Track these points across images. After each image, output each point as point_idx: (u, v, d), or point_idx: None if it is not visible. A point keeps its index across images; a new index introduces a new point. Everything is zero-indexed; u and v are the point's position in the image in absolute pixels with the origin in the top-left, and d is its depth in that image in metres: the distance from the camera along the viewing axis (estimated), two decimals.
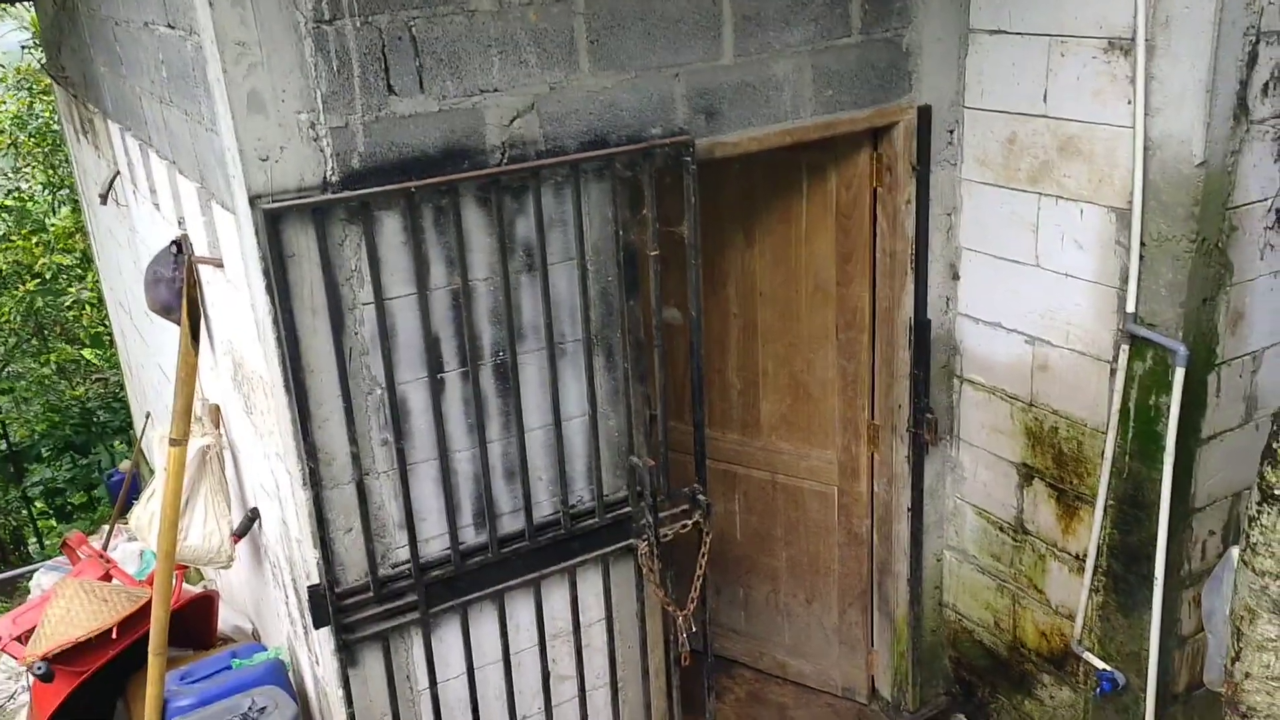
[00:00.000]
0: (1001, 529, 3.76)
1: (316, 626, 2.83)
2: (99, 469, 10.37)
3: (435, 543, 2.95)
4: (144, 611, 3.56)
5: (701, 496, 3.25)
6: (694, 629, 3.32)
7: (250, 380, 3.04)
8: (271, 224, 2.50)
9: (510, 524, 3.05)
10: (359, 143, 2.57)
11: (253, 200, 2.49)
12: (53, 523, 10.66)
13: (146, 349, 5.46)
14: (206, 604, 3.93)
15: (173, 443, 3.14)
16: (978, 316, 3.62)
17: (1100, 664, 3.47)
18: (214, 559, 3.51)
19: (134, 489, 6.18)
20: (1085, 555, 3.45)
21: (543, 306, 2.88)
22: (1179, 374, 3.02)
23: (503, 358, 2.89)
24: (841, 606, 4.15)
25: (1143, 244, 3.03)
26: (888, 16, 3.24)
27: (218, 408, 3.64)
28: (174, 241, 3.38)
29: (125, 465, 7.92)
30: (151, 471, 6.72)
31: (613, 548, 3.20)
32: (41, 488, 10.45)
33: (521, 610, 3.14)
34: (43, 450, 10.60)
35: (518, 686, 3.19)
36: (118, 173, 4.63)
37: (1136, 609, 3.35)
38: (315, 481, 2.71)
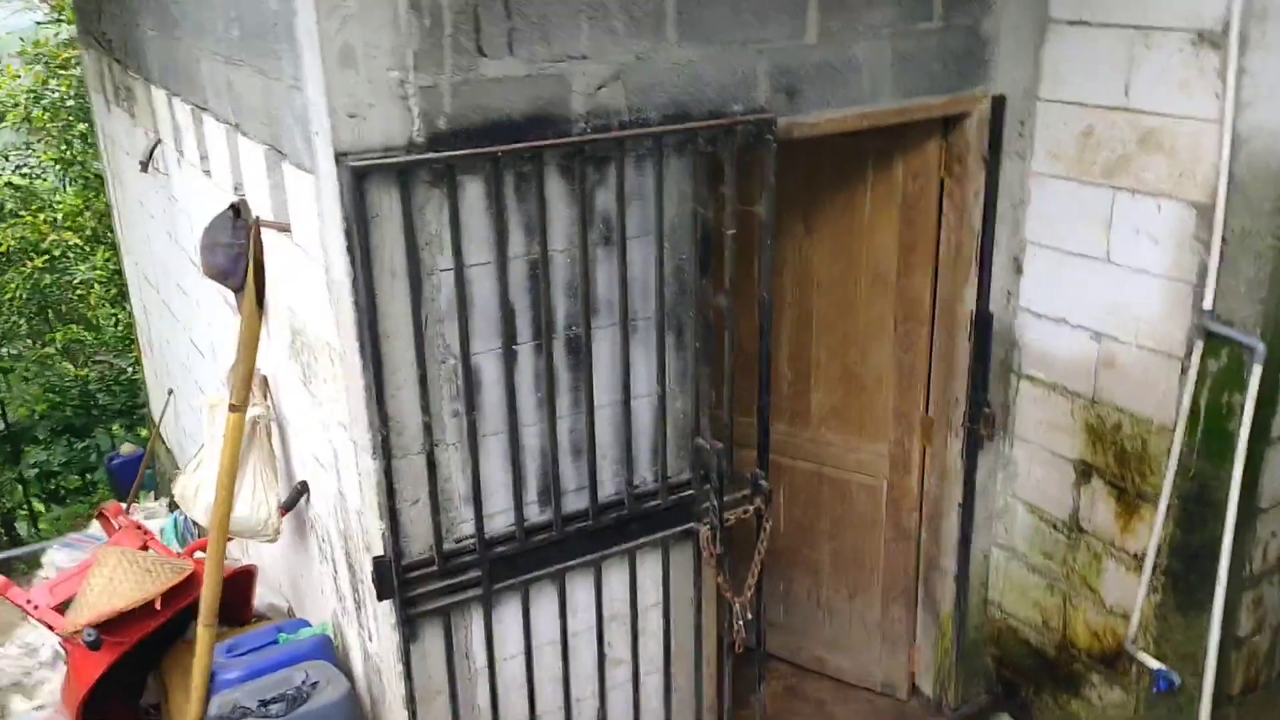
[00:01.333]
0: (1055, 527, 3.72)
1: (380, 599, 2.78)
2: (97, 452, 10.26)
3: (499, 519, 2.90)
4: (187, 584, 3.49)
5: (763, 482, 3.20)
6: (750, 616, 3.27)
7: (312, 348, 2.98)
8: (356, 183, 2.44)
9: (573, 502, 3.00)
10: (446, 104, 2.52)
11: (338, 158, 2.44)
12: (42, 507, 10.54)
13: (175, 323, 5.39)
14: (246, 579, 3.86)
15: (232, 409, 3.08)
16: (1040, 311, 3.59)
17: (1156, 664, 3.43)
18: (260, 531, 3.44)
19: (149, 469, 6.12)
20: (1144, 554, 3.41)
21: (619, 281, 2.83)
22: (1256, 371, 2.99)
23: (575, 332, 2.84)
24: (885, 602, 4.10)
25: (1224, 240, 2.99)
26: (968, 2, 3.21)
27: (267, 379, 3.58)
28: (232, 205, 3.32)
29: (127, 448, 7.83)
30: (169, 450, 6.65)
31: (673, 530, 3.15)
32: (37, 470, 10.33)
33: (581, 591, 3.09)
34: (38, 433, 10.49)
35: (573, 670, 3.13)
36: (159, 140, 4.56)
37: (1195, 609, 3.31)
38: (386, 451, 2.66)
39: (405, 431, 2.69)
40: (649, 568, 3.18)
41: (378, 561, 2.73)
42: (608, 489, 3.04)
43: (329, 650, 3.33)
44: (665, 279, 2.90)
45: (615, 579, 3.13)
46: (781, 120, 2.96)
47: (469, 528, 2.85)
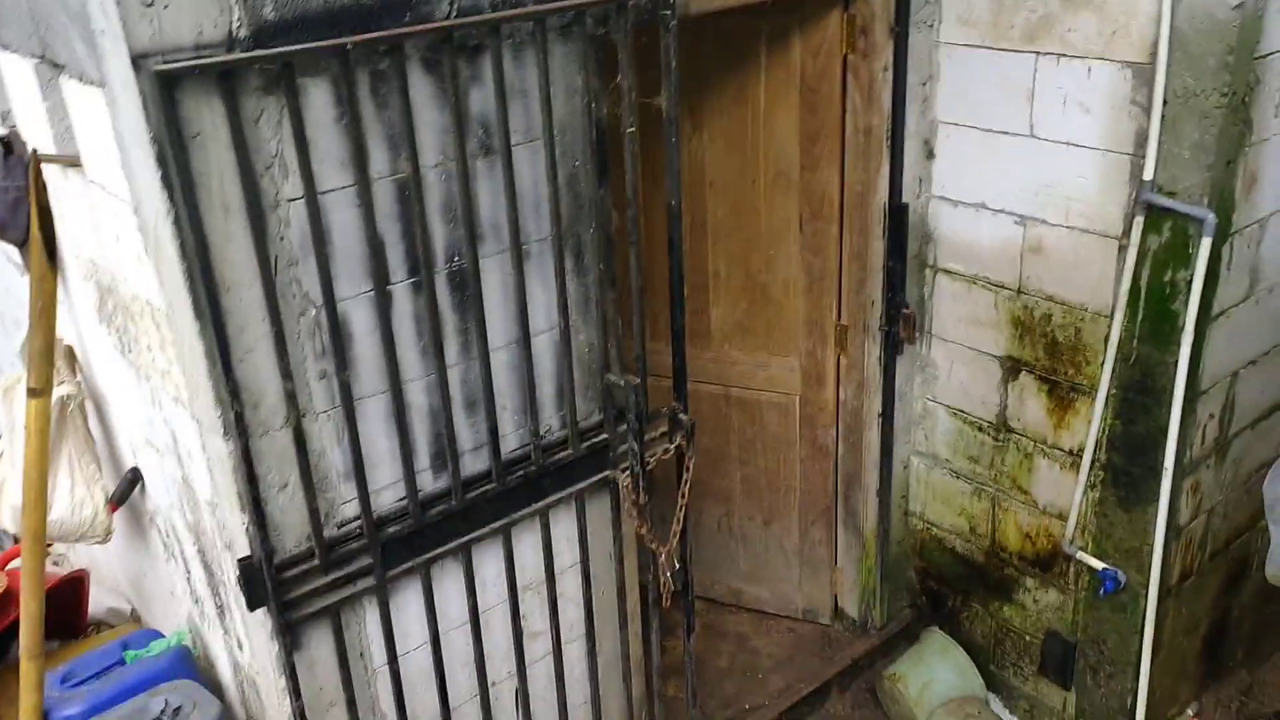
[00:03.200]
0: (981, 429, 3.48)
1: (252, 608, 2.27)
2: None
3: (388, 493, 2.43)
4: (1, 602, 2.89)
5: (683, 416, 2.82)
6: (677, 566, 2.92)
7: (128, 309, 2.40)
8: (165, 92, 1.87)
9: (473, 464, 2.54)
10: None
11: (136, 61, 1.86)
12: None
13: None
14: (75, 586, 3.26)
15: (32, 393, 2.47)
16: (957, 198, 3.29)
17: (1097, 563, 3.26)
18: (86, 533, 2.86)
19: None
20: (1081, 450, 3.20)
21: (506, 198, 2.35)
22: (1204, 245, 2.76)
23: (460, 263, 2.36)
24: (803, 525, 3.83)
25: (1165, 102, 2.72)
26: None
27: (72, 350, 2.95)
28: (1, 141, 2.66)
29: None
30: None
31: (589, 482, 2.74)
32: None
33: (489, 563, 2.65)
34: None
35: (487, 651, 2.71)
36: None
37: (1139, 503, 3.14)
38: (240, 429, 2.13)
39: (263, 403, 2.17)
40: (563, 526, 2.77)
41: (244, 564, 2.23)
42: (511, 444, 2.60)
43: (189, 664, 2.81)
44: (559, 192, 2.43)
45: (527, 544, 2.71)
46: None
47: (353, 509, 2.37)
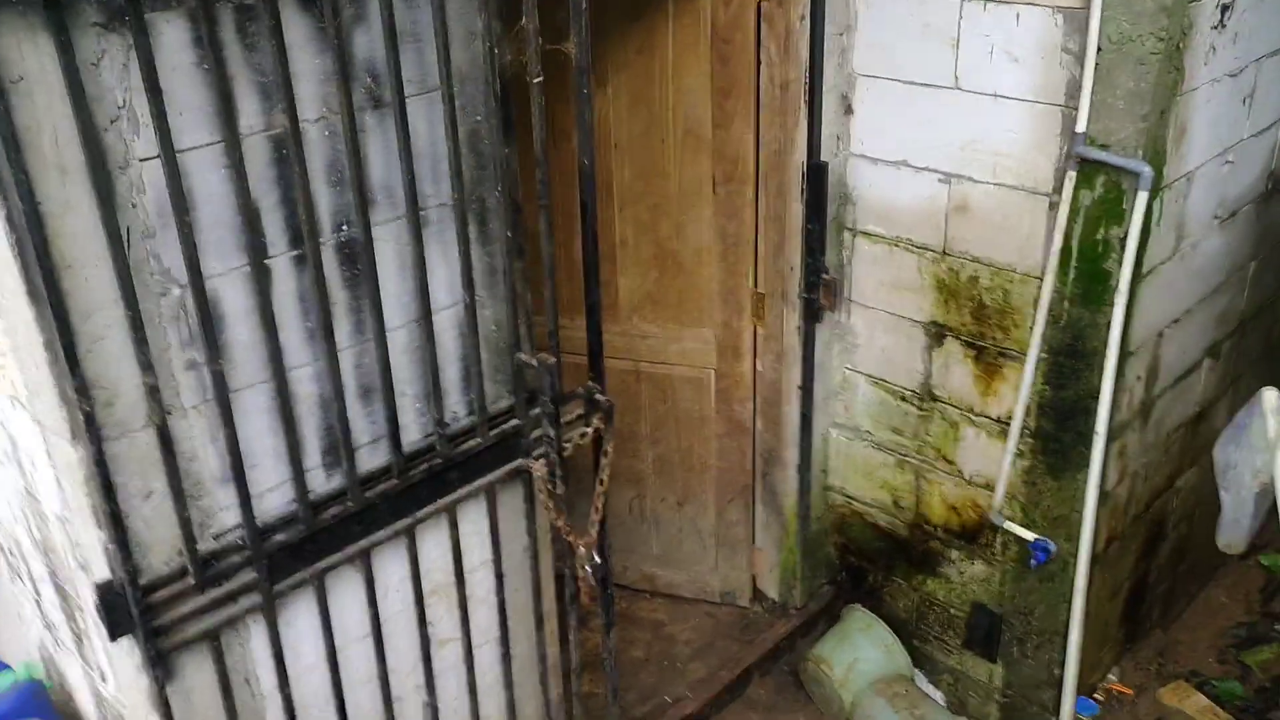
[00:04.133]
0: (904, 399, 3.34)
1: (114, 636, 1.95)
2: None
3: (273, 496, 2.12)
4: None
5: (600, 396, 2.57)
6: (597, 560, 2.68)
7: None
8: None
9: (370, 459, 2.26)
10: None
11: None
12: None
13: None
14: None
15: None
16: (877, 156, 3.11)
17: (1027, 533, 3.15)
18: None
19: None
20: (1010, 417, 3.09)
21: (400, 157, 2.06)
22: (1140, 200, 2.65)
23: (349, 233, 2.06)
24: (720, 505, 3.64)
25: (1099, 49, 2.58)
26: None
27: None
28: None
29: None
30: None
31: (499, 472, 2.47)
32: None
33: (392, 567, 2.37)
34: None
35: (391, 664, 2.44)
36: None
37: (1069, 470, 3.04)
38: (92, 432, 1.81)
39: (119, 400, 1.84)
40: (473, 521, 2.50)
41: (103, 589, 1.90)
42: (413, 434, 2.32)
43: (41, 699, 2.46)
44: (460, 149, 2.15)
45: (433, 543, 2.44)
46: None
47: (232, 516, 2.06)
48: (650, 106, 3.11)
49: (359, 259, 2.07)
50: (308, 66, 1.92)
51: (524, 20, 2.14)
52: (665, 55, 3.04)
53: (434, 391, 2.27)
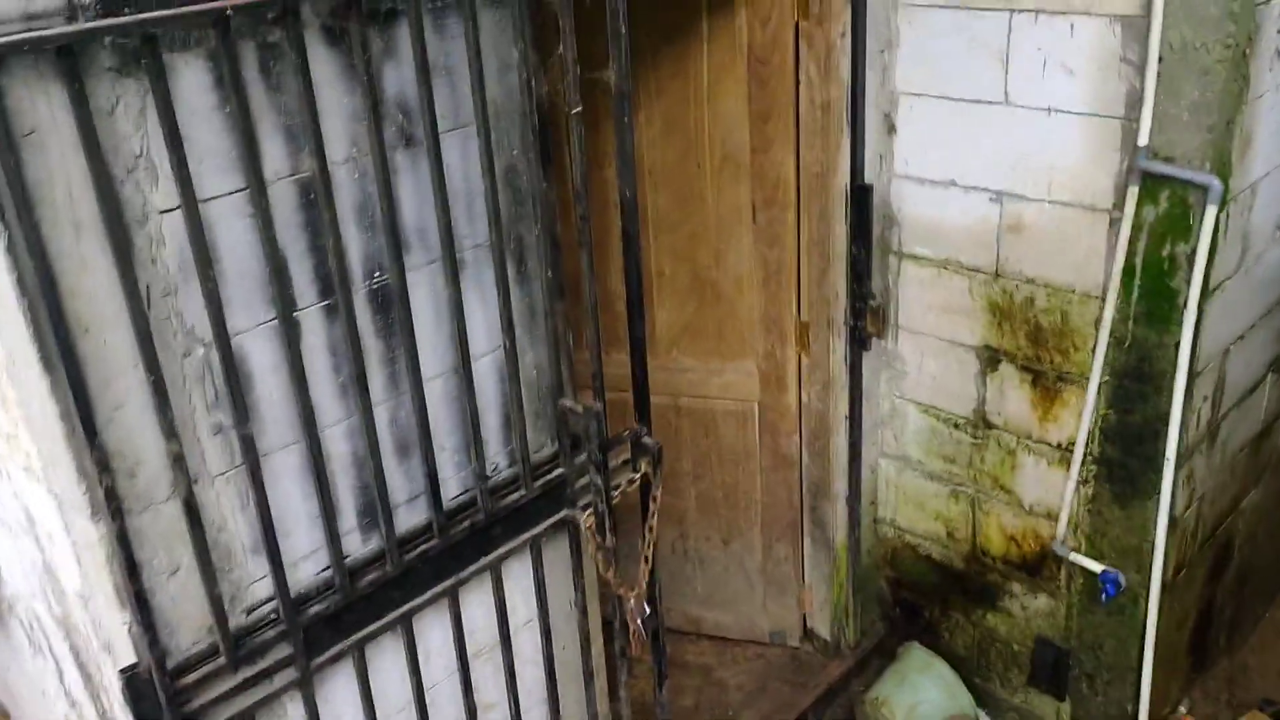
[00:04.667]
0: (956, 426, 3.19)
1: None
2: None
3: (308, 565, 1.99)
4: None
5: (648, 439, 2.44)
6: (647, 611, 2.54)
7: None
8: None
9: (409, 518, 2.12)
10: None
11: None
12: None
13: None
14: None
15: None
16: (923, 176, 2.97)
17: (1095, 565, 2.99)
18: None
19: None
20: (1072, 443, 2.93)
21: (434, 197, 1.93)
22: (1209, 215, 2.50)
23: (382, 279, 1.93)
24: (766, 542, 3.49)
25: (1160, 58, 2.45)
26: None
27: None
28: None
29: None
30: None
31: (545, 524, 2.34)
32: None
33: (434, 631, 2.23)
34: None
35: None
36: None
37: (1137, 497, 2.88)
38: (113, 506, 1.68)
39: (141, 470, 1.71)
40: (518, 579, 2.36)
41: (129, 676, 1.77)
42: (453, 489, 2.18)
43: None
44: (496, 186, 2.02)
45: (476, 603, 2.30)
46: None
47: (265, 588, 1.92)
48: (685, 132, 2.98)
49: (393, 307, 1.94)
50: (335, 105, 1.79)
51: (561, 48, 2.02)
52: (700, 79, 2.92)
53: (475, 443, 2.14)
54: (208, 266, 1.67)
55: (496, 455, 2.24)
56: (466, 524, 2.17)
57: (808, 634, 3.62)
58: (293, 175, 1.77)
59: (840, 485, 3.31)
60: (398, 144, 1.90)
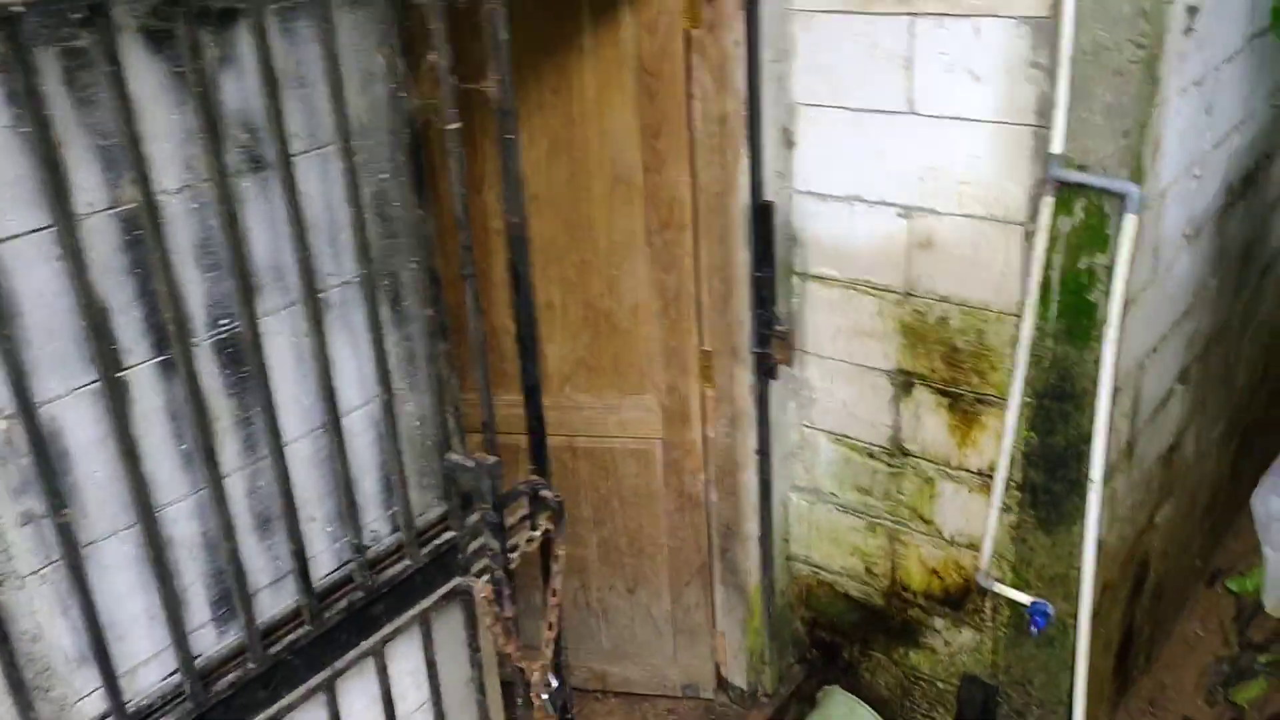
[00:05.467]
0: (871, 455, 3.02)
1: None
2: None
3: (150, 671, 1.67)
4: None
5: (547, 492, 2.18)
6: (554, 684, 2.28)
7: None
8: None
9: (274, 603, 1.82)
10: None
11: None
12: None
13: None
14: None
15: None
16: (826, 192, 2.80)
17: (1020, 595, 2.85)
18: None
19: None
20: (993, 469, 2.79)
21: (290, 228, 1.65)
22: (1127, 223, 2.38)
23: (229, 327, 1.64)
24: (675, 589, 3.26)
25: (1072, 61, 2.32)
26: None
27: None
28: None
29: None
30: None
31: (435, 597, 2.06)
32: None
33: None
34: None
35: None
36: None
37: (1063, 523, 2.75)
38: None
39: None
40: (406, 660, 2.08)
41: None
42: (326, 564, 1.89)
43: None
44: (363, 214, 1.75)
45: (358, 693, 2.00)
46: None
47: (96, 705, 1.60)
48: (571, 152, 2.75)
49: (245, 359, 1.65)
50: (163, 124, 1.50)
51: (433, 55, 1.77)
52: (586, 93, 2.69)
53: (349, 511, 1.85)
54: (3, 323, 1.35)
55: (376, 522, 1.96)
56: (343, 604, 1.88)
57: (722, 684, 3.39)
58: (113, 208, 1.47)
59: (751, 524, 3.10)
60: (244, 168, 1.61)
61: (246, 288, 1.59)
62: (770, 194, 2.77)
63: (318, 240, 1.72)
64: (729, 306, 2.82)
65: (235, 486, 1.70)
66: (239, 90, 1.58)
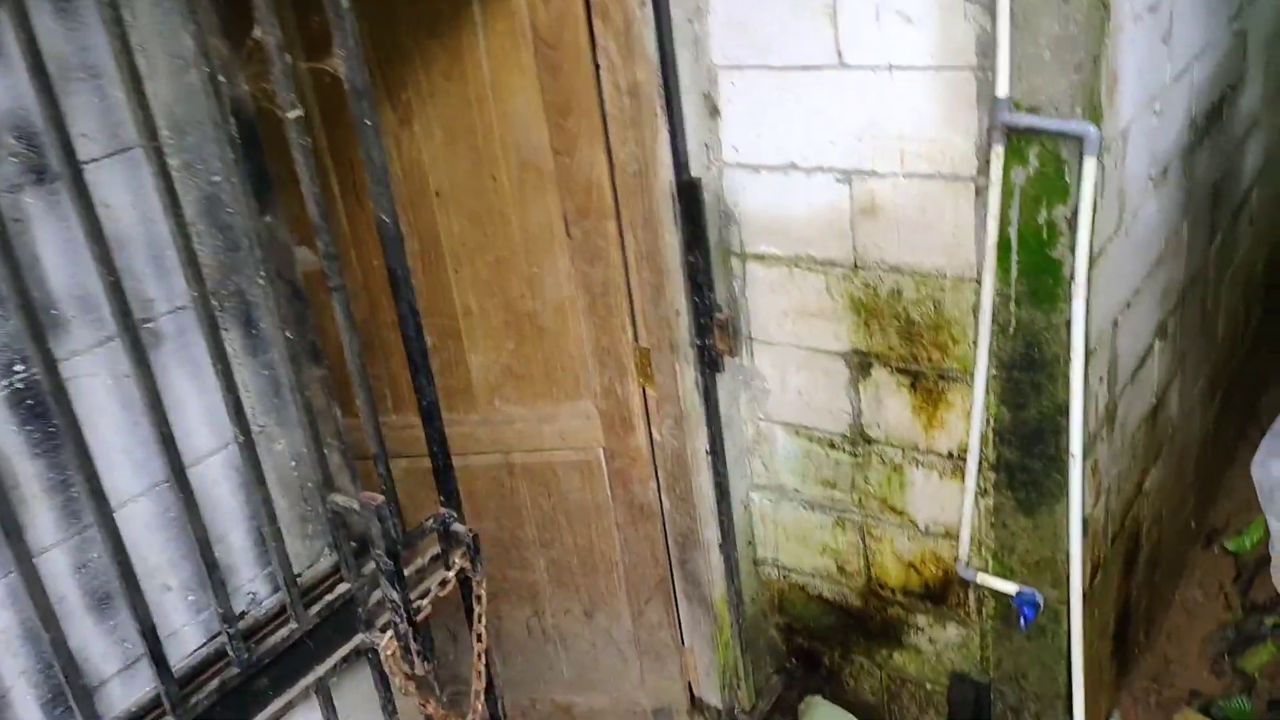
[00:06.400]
0: (832, 445, 2.77)
1: None
2: None
3: None
4: None
5: (459, 527, 1.91)
6: None
7: None
8: None
9: (126, 693, 1.54)
10: None
11: None
12: None
13: None
14: None
15: None
16: (757, 162, 2.54)
17: (1005, 585, 2.61)
18: None
19: None
20: (964, 450, 2.54)
21: (92, 248, 1.37)
22: (1088, 168, 2.13)
23: (25, 374, 1.36)
24: (635, 607, 2.99)
25: None
26: None
27: None
28: None
29: None
30: None
31: (332, 661, 1.78)
32: None
33: None
34: None
35: None
36: None
37: (1044, 502, 2.51)
38: None
39: None
40: None
41: None
42: (192, 640, 1.62)
43: None
44: (186, 225, 1.48)
45: None
46: None
47: None
48: (472, 139, 2.48)
49: (50, 413, 1.37)
50: None
51: (259, 30, 1.49)
52: (481, 74, 2.42)
53: (211, 574, 1.58)
54: None
55: (252, 582, 1.69)
56: (215, 685, 1.60)
57: (696, 705, 3.13)
58: None
59: (710, 531, 2.84)
60: (23, 181, 1.33)
61: (35, 324, 1.31)
62: (697, 169, 2.51)
63: (136, 260, 1.45)
64: (663, 297, 2.56)
65: (58, 562, 1.42)
66: (7, 86, 1.30)
